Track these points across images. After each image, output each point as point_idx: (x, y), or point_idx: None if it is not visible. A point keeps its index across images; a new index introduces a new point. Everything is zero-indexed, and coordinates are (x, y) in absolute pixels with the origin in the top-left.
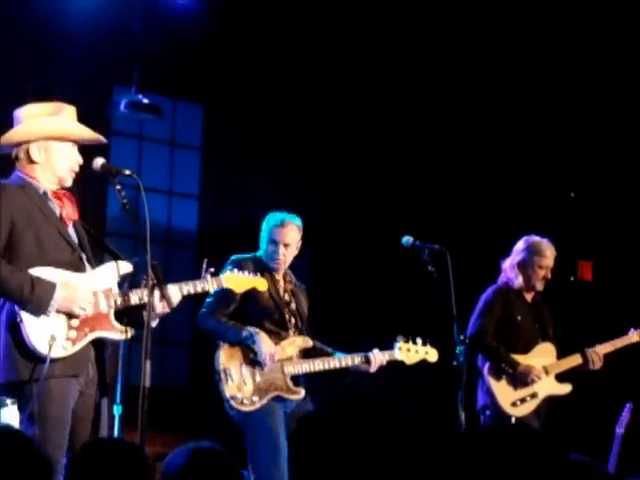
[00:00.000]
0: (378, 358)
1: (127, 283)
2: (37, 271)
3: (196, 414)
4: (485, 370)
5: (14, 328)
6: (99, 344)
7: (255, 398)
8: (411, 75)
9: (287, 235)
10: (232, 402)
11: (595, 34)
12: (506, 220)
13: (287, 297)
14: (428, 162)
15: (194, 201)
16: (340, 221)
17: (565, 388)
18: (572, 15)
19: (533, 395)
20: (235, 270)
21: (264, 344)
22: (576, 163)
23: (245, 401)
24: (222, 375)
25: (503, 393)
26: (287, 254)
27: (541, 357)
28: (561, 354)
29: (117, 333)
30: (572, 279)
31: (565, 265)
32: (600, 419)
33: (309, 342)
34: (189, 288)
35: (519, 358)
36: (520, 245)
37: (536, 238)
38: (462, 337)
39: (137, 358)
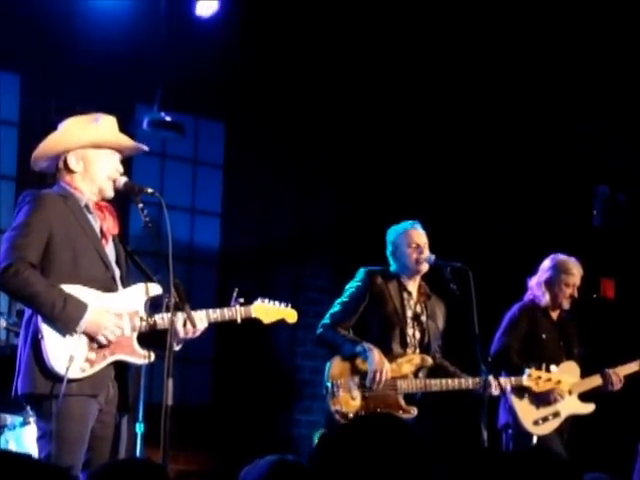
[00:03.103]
0: (501, 382)
1: (150, 303)
2: (68, 288)
3: (219, 431)
4: (508, 388)
5: (36, 344)
6: (122, 364)
7: (362, 414)
8: (433, 90)
9: (423, 236)
10: (336, 416)
11: (619, 34)
12: (527, 238)
13: (418, 309)
14: (451, 179)
15: (216, 219)
16: (362, 237)
17: (588, 408)
18: (595, 11)
19: (555, 414)
20: (266, 300)
21: (375, 361)
22: (598, 182)
23: (350, 416)
24: (329, 388)
25: (525, 411)
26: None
27: (564, 376)
28: (585, 373)
29: (138, 357)
30: (594, 297)
31: (588, 283)
32: (623, 437)
33: (428, 361)
34: (216, 316)
35: None
36: (547, 263)
37: (563, 256)
38: (485, 355)
39: (159, 376)
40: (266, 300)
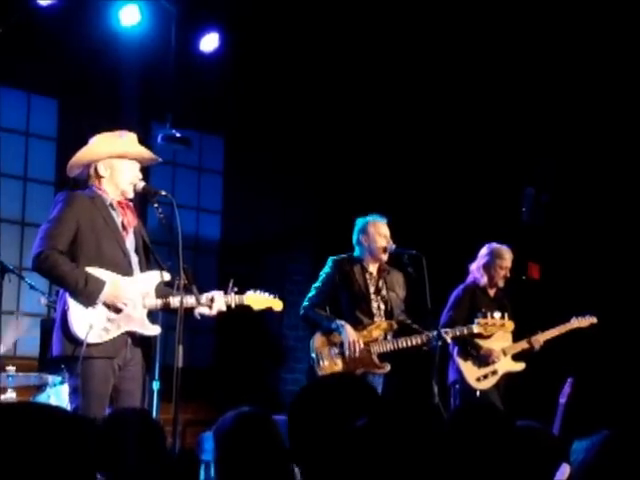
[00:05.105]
0: (451, 333)
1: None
2: (92, 270)
3: (220, 388)
4: (455, 352)
5: (64, 314)
6: (141, 336)
7: None
8: (398, 112)
9: (388, 229)
10: None
11: (548, 48)
12: (469, 231)
13: (380, 284)
14: (409, 184)
15: (217, 216)
16: (334, 230)
17: (519, 366)
18: (523, 18)
19: (494, 372)
20: (258, 291)
21: (347, 335)
22: (525, 185)
23: None
24: (315, 359)
25: (469, 371)
26: None
27: (500, 341)
28: (516, 338)
29: (146, 330)
30: (523, 278)
31: (518, 266)
32: (546, 391)
33: (394, 325)
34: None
35: (482, 342)
36: (484, 250)
37: (497, 245)
38: (436, 325)
39: (171, 343)
40: (258, 291)
